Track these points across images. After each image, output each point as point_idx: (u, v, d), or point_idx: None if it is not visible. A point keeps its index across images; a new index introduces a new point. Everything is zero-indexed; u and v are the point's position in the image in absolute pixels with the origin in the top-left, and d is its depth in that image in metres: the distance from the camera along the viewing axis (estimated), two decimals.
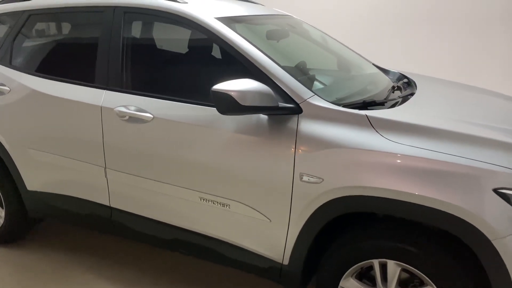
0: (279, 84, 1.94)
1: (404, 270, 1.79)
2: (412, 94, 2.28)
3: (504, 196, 1.56)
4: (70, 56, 2.65)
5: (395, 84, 2.52)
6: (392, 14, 5.40)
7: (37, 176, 2.65)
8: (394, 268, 1.79)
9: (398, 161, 1.68)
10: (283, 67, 2.00)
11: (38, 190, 2.68)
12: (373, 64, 2.97)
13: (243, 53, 2.02)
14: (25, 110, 2.56)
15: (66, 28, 2.80)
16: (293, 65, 2.36)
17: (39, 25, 2.79)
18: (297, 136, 1.86)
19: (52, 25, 2.88)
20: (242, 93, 1.78)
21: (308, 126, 1.86)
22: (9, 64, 2.69)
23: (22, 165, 2.68)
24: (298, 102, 1.90)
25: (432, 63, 5.22)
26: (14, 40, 2.72)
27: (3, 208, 2.86)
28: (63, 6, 2.57)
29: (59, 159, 2.50)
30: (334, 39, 3.06)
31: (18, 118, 2.60)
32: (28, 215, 2.82)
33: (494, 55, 5.02)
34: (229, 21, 2.21)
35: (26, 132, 2.59)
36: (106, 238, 3.05)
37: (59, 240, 3.07)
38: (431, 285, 1.72)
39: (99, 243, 3.02)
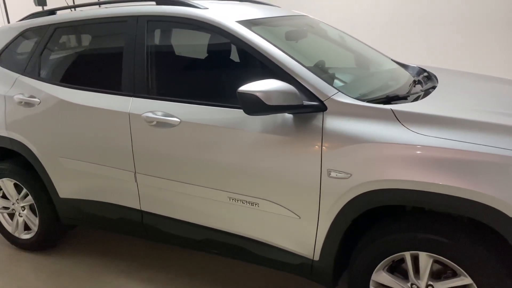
0: (302, 83, 1.97)
1: (436, 261, 1.80)
2: (433, 88, 2.29)
3: None
4: (97, 65, 2.73)
5: (416, 78, 2.53)
6: (408, 14, 5.39)
7: (69, 183, 2.74)
8: (426, 260, 1.80)
9: (426, 153, 1.70)
10: (305, 66, 2.04)
11: (70, 197, 2.76)
12: (392, 60, 2.98)
13: (265, 54, 2.06)
14: (55, 120, 2.65)
15: (91, 39, 2.88)
16: (313, 64, 2.40)
17: (65, 38, 2.88)
18: (323, 133, 1.89)
19: (78, 37, 2.97)
20: (267, 93, 1.82)
21: (334, 123, 1.89)
22: (38, 77, 2.79)
23: (53, 174, 2.77)
24: (323, 99, 1.93)
25: (450, 61, 5.19)
26: (41, 53, 2.82)
27: (36, 216, 2.96)
28: (87, 18, 2.66)
29: (89, 166, 2.58)
30: (352, 37, 3.08)
31: (48, 128, 2.69)
32: (61, 222, 2.91)
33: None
34: (250, 24, 2.26)
35: (56, 141, 2.68)
36: (136, 243, 3.13)
37: (91, 245, 3.15)
38: (464, 275, 1.73)
39: (130, 247, 3.09)
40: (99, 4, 3.28)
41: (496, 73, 4.54)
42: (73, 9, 3.01)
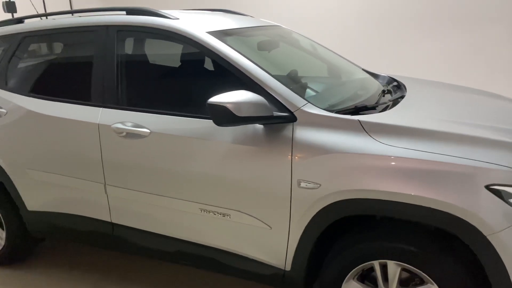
0: (272, 94, 1.98)
1: (404, 269, 1.83)
2: (402, 97, 2.34)
3: (496, 192, 1.61)
4: (66, 76, 2.68)
5: (385, 88, 2.58)
6: (380, 17, 5.49)
7: (37, 196, 2.67)
8: (394, 268, 1.83)
9: (392, 163, 1.73)
10: (276, 77, 2.05)
11: (39, 210, 2.69)
12: (363, 69, 3.03)
13: (236, 65, 2.06)
14: (22, 131, 2.59)
15: (60, 48, 2.84)
16: (286, 74, 2.42)
17: (34, 47, 2.83)
18: (293, 144, 1.91)
19: (47, 46, 2.91)
20: (238, 104, 1.83)
21: (303, 133, 1.91)
22: (5, 86, 2.73)
23: (21, 186, 2.70)
24: (292, 110, 1.95)
25: (421, 64, 5.31)
26: (9, 62, 2.75)
27: (4, 230, 2.87)
28: (56, 27, 2.61)
29: (58, 178, 2.53)
30: (324, 46, 3.12)
31: (15, 139, 2.62)
32: (30, 235, 2.83)
33: (482, 54, 5.11)
34: (221, 34, 2.26)
35: (24, 153, 2.61)
36: (107, 254, 3.07)
37: (61, 258, 3.08)
38: (431, 283, 1.76)
39: (101, 259, 3.03)
40: (71, 12, 3.23)
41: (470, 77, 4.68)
42: (44, 17, 2.95)
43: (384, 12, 5.44)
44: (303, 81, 2.44)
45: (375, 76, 2.97)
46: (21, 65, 2.78)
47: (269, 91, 1.99)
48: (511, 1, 4.83)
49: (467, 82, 3.31)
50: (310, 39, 3.12)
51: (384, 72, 3.05)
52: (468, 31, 5.06)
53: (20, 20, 2.90)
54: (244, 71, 2.05)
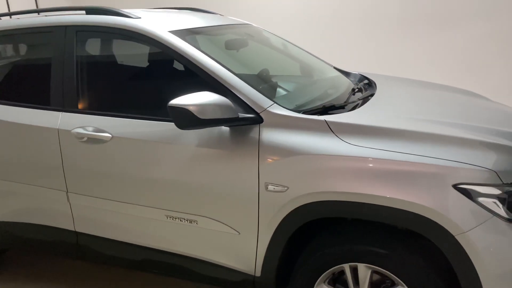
0: (238, 95, 1.92)
1: (375, 272, 1.79)
2: (372, 95, 2.30)
3: (463, 191, 1.58)
4: (23, 79, 2.56)
5: (356, 86, 2.55)
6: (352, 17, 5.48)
7: None
8: (364, 271, 1.79)
9: (359, 164, 1.69)
10: (241, 77, 1.99)
11: None
12: (334, 67, 2.99)
13: (199, 65, 1.99)
14: None
15: (16, 50, 2.71)
16: (255, 74, 2.36)
17: None
18: (259, 146, 1.85)
19: (3, 48, 2.77)
20: (201, 106, 1.76)
21: (270, 135, 1.85)
22: None
23: None
24: (258, 111, 1.89)
25: (403, 62, 5.32)
26: None
27: None
28: (12, 27, 2.49)
29: (18, 186, 2.41)
30: (295, 45, 3.07)
31: None
32: None
33: (451, 51, 5.15)
34: (186, 33, 2.18)
35: None
36: (74, 264, 2.95)
37: (24, 270, 2.94)
38: (402, 285, 1.73)
39: (68, 269, 2.92)
40: (37, 12, 3.09)
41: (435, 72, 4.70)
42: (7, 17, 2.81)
43: (362, 11, 5.42)
44: (273, 80, 2.38)
45: (346, 74, 2.93)
46: None
47: (234, 92, 1.93)
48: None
49: (445, 80, 3.30)
50: (281, 38, 3.07)
51: (358, 70, 3.02)
52: (445, 30, 5.09)
53: None
54: (208, 71, 1.98)
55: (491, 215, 1.57)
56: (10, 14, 2.92)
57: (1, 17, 2.73)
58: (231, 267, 2.06)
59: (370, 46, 5.44)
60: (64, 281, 2.79)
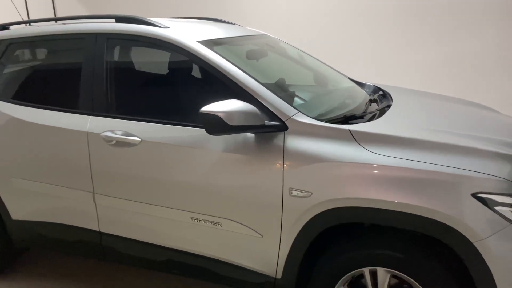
0: (264, 103, 2.01)
1: (393, 276, 1.87)
2: (389, 106, 2.39)
3: (482, 200, 1.66)
4: (53, 83, 2.65)
5: (372, 97, 2.64)
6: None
7: (22, 205, 2.62)
8: (384, 275, 1.86)
9: (381, 172, 1.77)
10: (266, 86, 2.08)
11: (24, 219, 2.64)
12: (349, 78, 3.08)
13: (227, 75, 2.08)
14: (8, 138, 2.54)
15: (47, 56, 2.80)
16: (274, 83, 2.45)
17: (19, 54, 2.79)
18: (284, 152, 1.93)
19: (33, 53, 2.87)
20: (229, 113, 1.85)
21: (294, 142, 1.93)
22: None
23: (5, 195, 2.64)
24: (283, 119, 1.97)
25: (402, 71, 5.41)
26: None
27: None
28: (43, 34, 2.59)
29: (45, 187, 2.49)
30: (310, 55, 3.17)
31: (0, 147, 2.57)
32: (13, 245, 2.77)
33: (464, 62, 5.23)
34: (211, 43, 2.28)
35: (9, 161, 2.56)
36: (95, 265, 3.02)
37: (46, 269, 3.01)
38: None
39: (88, 270, 2.98)
40: (55, 20, 3.19)
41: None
42: (28, 24, 2.90)
43: (361, 10, 5.52)
44: (291, 89, 2.47)
45: (360, 85, 3.02)
46: (6, 72, 2.73)
47: (260, 100, 2.01)
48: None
49: (448, 82, 3.35)
50: (297, 48, 3.16)
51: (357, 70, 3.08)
52: (446, 31, 5.16)
53: (5, 27, 2.86)
54: (235, 80, 2.06)
55: (507, 223, 1.65)
56: (32, 21, 3.01)
57: (28, 24, 2.83)
58: (253, 269, 2.13)
59: (370, 45, 5.53)
60: (82, 281, 2.86)
